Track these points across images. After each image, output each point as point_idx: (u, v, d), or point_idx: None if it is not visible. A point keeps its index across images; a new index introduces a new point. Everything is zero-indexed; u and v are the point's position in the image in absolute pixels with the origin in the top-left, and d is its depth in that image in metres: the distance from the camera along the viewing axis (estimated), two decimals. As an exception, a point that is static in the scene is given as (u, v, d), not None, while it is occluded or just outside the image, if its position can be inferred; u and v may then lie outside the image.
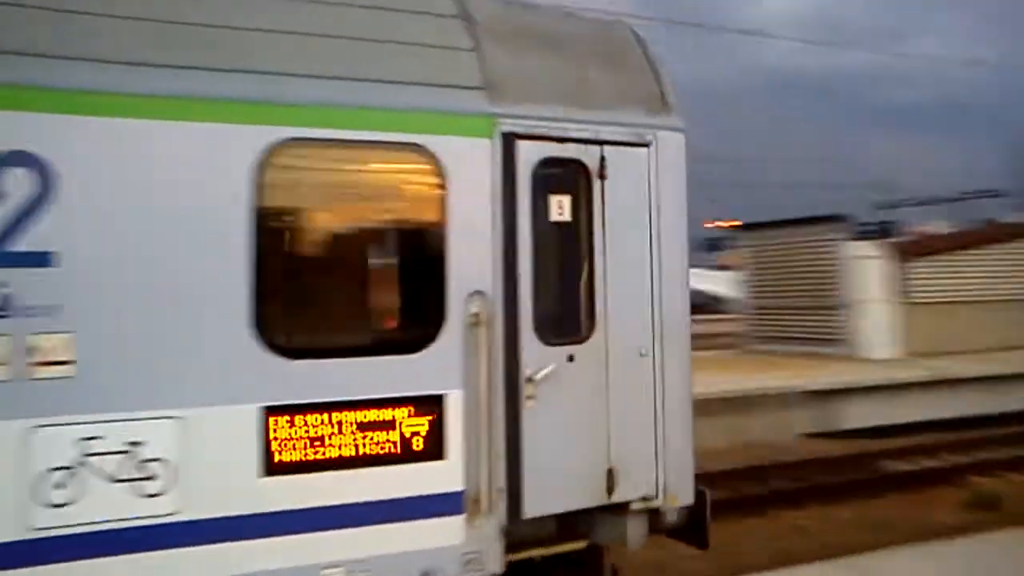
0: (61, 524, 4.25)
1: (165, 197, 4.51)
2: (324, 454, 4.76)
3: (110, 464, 4.36)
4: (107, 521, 4.34)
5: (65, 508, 4.26)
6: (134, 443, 4.41)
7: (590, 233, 5.60)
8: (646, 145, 5.78)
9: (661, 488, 5.69)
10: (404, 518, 4.94)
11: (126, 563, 4.35)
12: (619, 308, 5.62)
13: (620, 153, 5.69)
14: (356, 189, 5.29)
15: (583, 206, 5.61)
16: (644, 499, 5.65)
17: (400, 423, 4.94)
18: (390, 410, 4.91)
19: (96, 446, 4.34)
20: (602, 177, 5.64)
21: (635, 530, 5.71)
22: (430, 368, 5.03)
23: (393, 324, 5.40)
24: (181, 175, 4.55)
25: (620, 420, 5.58)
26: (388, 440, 4.91)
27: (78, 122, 4.35)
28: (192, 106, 4.58)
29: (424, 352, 5.04)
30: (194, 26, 4.73)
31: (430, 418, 5.00)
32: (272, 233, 4.82)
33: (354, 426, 4.83)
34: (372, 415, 4.87)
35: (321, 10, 5.15)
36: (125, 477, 4.40)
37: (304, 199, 5.11)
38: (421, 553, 4.97)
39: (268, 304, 4.69)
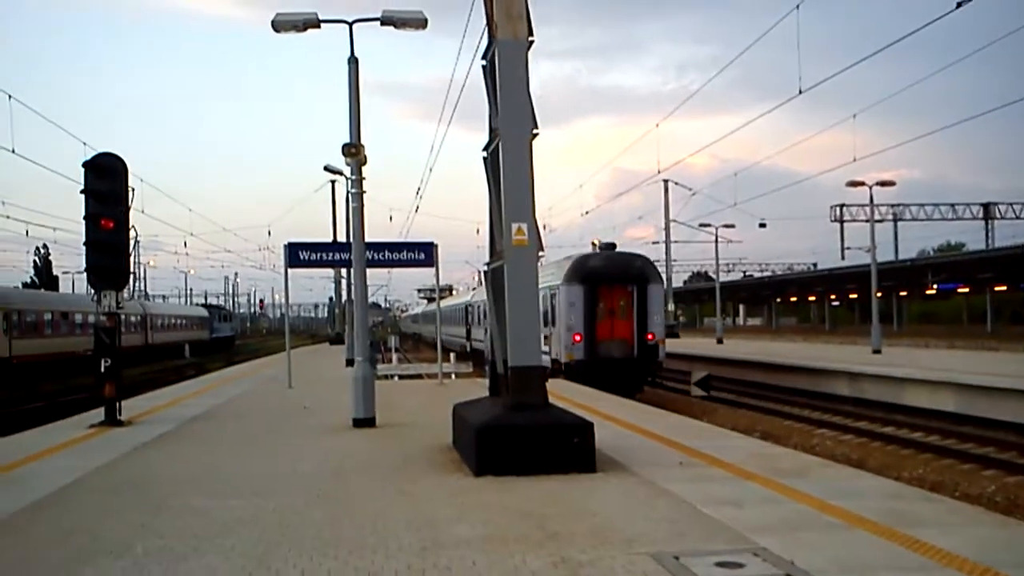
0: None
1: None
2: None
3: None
4: None
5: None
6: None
7: (554, 308, 27.43)
8: (559, 289, 26.97)
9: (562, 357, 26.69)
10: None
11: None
12: (558, 321, 27.42)
13: (558, 289, 26.95)
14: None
15: (553, 303, 27.75)
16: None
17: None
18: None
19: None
20: (553, 297, 27.33)
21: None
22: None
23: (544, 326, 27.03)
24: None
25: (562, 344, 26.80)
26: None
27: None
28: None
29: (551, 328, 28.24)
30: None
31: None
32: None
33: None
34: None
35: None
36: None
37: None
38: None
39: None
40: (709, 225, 57.27)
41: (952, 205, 73.42)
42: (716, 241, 57.88)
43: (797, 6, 21.53)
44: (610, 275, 26.77)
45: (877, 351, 33.98)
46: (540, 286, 30.38)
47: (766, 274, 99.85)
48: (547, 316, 27.23)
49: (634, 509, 8.10)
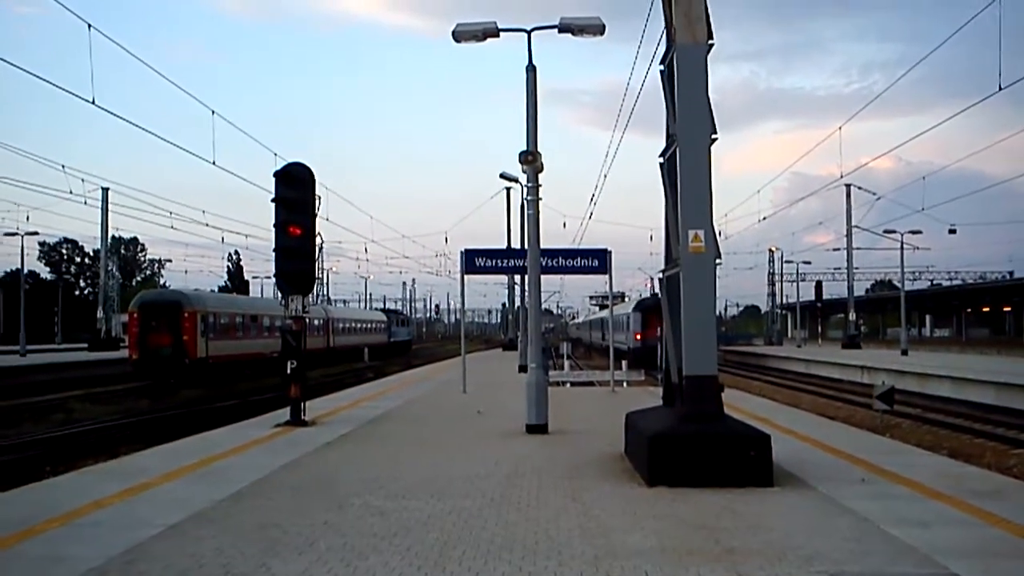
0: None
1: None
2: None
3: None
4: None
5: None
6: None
7: (628, 322, 53.90)
8: (630, 314, 54.02)
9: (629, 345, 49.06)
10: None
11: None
12: (630, 328, 52.54)
13: (629, 314, 54.44)
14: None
15: (627, 319, 54.30)
16: None
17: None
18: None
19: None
20: (628, 317, 54.03)
21: None
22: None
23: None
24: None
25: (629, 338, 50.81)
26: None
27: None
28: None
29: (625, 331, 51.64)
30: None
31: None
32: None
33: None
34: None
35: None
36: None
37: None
38: None
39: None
40: (894, 231, 54.87)
41: None
42: (901, 248, 55.49)
43: (999, -4, 20.29)
44: (655, 307, 42.89)
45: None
46: (619, 312, 54.36)
47: (955, 283, 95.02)
48: (624, 326, 53.14)
49: (813, 526, 7.84)
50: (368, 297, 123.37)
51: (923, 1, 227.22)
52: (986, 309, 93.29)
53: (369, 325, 76.82)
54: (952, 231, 62.94)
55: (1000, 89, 21.84)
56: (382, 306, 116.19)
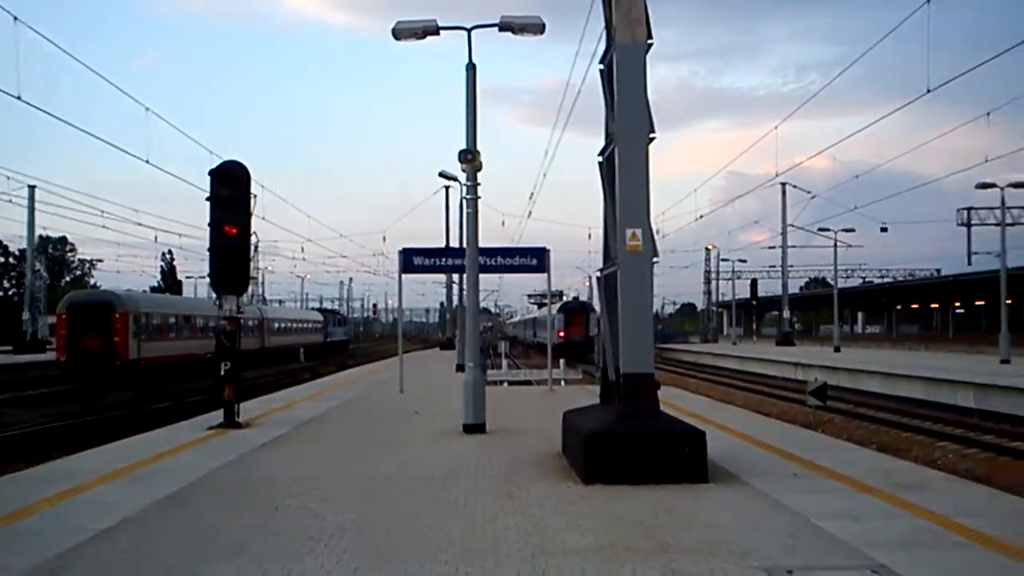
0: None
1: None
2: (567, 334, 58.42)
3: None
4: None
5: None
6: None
7: (553, 321, 39.87)
8: (556, 315, 55.95)
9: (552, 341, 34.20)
10: None
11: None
12: (555, 326, 49.57)
13: (555, 315, 53.11)
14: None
15: (553, 319, 41.31)
16: None
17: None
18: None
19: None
20: (553, 318, 45.46)
21: None
22: None
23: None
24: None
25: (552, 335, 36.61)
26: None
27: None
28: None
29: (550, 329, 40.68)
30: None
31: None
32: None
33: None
34: None
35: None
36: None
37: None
38: None
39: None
40: (828, 229, 55.91)
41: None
42: (835, 246, 56.61)
43: (928, 1, 20.79)
44: (575, 309, 63.92)
45: (1006, 361, 32.63)
46: (546, 313, 45.96)
47: (887, 280, 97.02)
48: (553, 325, 52.46)
49: (747, 521, 7.96)
50: (304, 297, 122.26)
51: (864, 1, 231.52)
52: (915, 306, 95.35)
53: (305, 325, 76.06)
54: (884, 229, 64.10)
55: (928, 91, 22.35)
56: (319, 306, 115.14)
